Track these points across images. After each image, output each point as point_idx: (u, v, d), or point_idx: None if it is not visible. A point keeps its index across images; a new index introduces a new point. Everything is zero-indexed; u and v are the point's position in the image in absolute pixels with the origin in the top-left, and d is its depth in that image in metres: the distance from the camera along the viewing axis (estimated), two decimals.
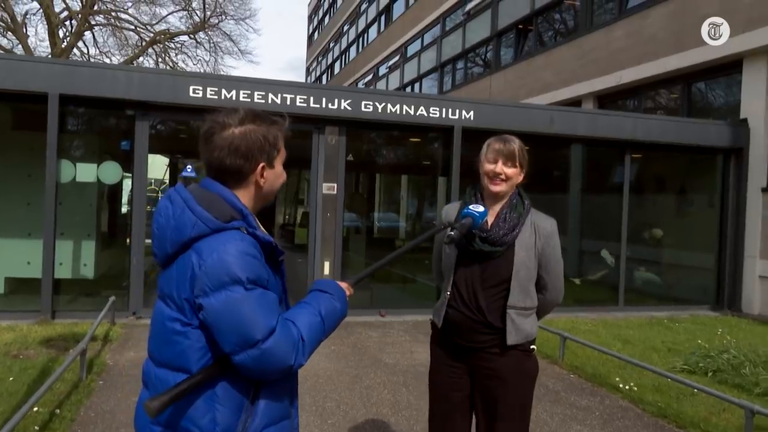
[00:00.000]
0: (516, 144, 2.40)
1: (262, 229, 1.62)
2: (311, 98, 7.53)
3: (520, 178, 2.44)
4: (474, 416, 2.49)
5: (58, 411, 4.10)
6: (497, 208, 2.44)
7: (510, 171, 2.38)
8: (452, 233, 2.33)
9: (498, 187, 2.40)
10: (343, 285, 1.75)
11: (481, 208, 2.36)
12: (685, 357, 6.00)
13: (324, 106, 7.56)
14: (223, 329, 1.45)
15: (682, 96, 10.84)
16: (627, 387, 5.12)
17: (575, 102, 12.91)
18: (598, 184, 10.21)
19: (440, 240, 2.56)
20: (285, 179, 1.72)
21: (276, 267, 1.63)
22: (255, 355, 1.45)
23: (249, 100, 7.22)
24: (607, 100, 12.55)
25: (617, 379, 5.32)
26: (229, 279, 1.45)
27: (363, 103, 7.71)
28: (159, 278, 1.63)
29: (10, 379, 4.68)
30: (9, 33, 21.98)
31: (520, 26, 15.65)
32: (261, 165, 1.61)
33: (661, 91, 11.59)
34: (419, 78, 22.38)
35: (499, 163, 2.37)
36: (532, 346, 2.43)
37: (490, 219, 2.41)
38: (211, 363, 1.51)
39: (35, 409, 3.97)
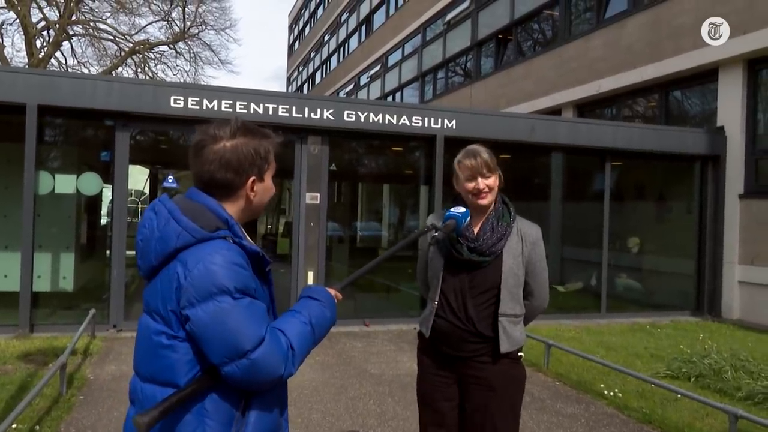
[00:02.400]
0: (485, 153, 2.40)
1: (249, 239, 1.61)
2: (293, 108, 7.51)
3: (500, 183, 2.46)
4: (464, 425, 2.48)
5: (37, 428, 4.01)
6: (482, 216, 2.45)
7: (491, 181, 2.40)
8: (436, 234, 2.33)
9: (485, 200, 2.41)
10: (332, 291, 1.74)
11: (462, 209, 2.37)
12: (667, 362, 6.06)
13: (306, 115, 7.55)
14: (212, 340, 1.43)
15: (659, 104, 11.03)
16: (612, 393, 5.15)
17: (555, 111, 13.06)
18: (579, 192, 10.32)
19: (425, 250, 2.56)
20: (274, 192, 1.71)
21: (263, 277, 1.61)
22: (245, 365, 1.42)
23: (231, 110, 7.19)
24: (586, 108, 12.71)
25: (602, 385, 5.35)
26: (216, 289, 1.42)
27: (345, 112, 7.72)
28: (144, 292, 1.60)
29: None
30: None
31: (500, 36, 15.82)
32: (251, 179, 1.60)
33: (639, 99, 11.77)
34: (400, 87, 22.48)
35: (479, 179, 2.38)
36: (519, 353, 2.44)
37: (476, 228, 2.42)
38: (200, 375, 1.48)
39: (14, 426, 3.88)
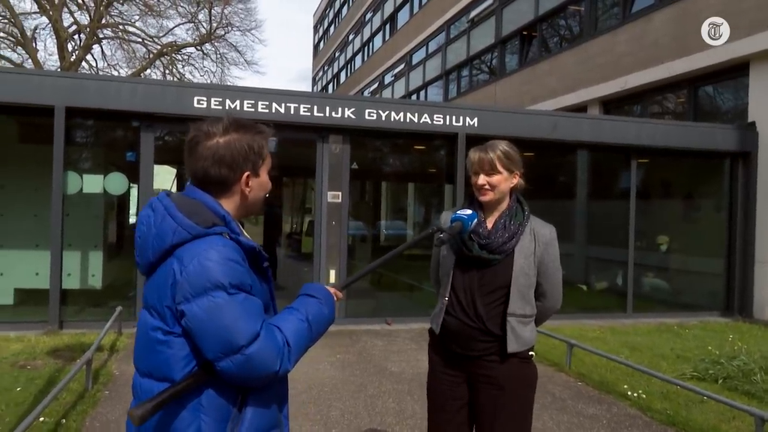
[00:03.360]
0: (496, 151, 2.35)
1: (246, 234, 1.61)
2: (315, 107, 7.55)
3: (513, 182, 2.41)
4: (473, 424, 2.46)
5: (63, 421, 4.11)
6: (496, 215, 2.42)
7: (494, 179, 2.36)
8: (441, 236, 2.32)
9: (486, 197, 2.39)
10: (332, 290, 1.74)
11: (468, 212, 2.35)
12: (694, 364, 5.94)
13: (327, 114, 7.59)
14: (206, 336, 1.44)
15: (688, 100, 10.80)
16: (635, 395, 5.07)
17: (580, 108, 12.88)
18: (604, 190, 10.17)
19: (437, 248, 2.55)
20: (270, 187, 1.71)
21: (262, 273, 1.62)
22: (239, 361, 1.43)
23: (253, 110, 7.26)
24: (612, 105, 12.51)
25: (625, 386, 5.27)
26: (211, 284, 1.43)
27: (366, 111, 7.73)
28: (144, 288, 1.62)
29: (17, 389, 4.70)
30: (19, 48, 22.24)
31: (525, 33, 15.66)
32: (246, 174, 1.61)
33: (666, 95, 11.54)
34: (424, 86, 22.43)
35: (481, 175, 2.37)
36: (530, 353, 2.41)
37: (488, 225, 2.40)
38: (195, 371, 1.49)
39: (41, 419, 3.98)
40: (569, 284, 9.99)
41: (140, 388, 1.55)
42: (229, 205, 1.61)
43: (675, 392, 5.09)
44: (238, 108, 7.22)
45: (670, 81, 10.76)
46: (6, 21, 21.44)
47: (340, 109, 7.65)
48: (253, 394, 1.53)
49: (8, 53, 22.41)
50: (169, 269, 1.49)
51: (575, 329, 7.59)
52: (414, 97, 23.15)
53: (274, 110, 7.37)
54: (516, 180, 2.41)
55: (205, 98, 7.14)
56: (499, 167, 2.35)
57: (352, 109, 7.68)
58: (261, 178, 1.66)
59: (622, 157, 9.16)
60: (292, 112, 7.46)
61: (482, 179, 2.37)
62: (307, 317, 1.59)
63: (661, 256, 9.98)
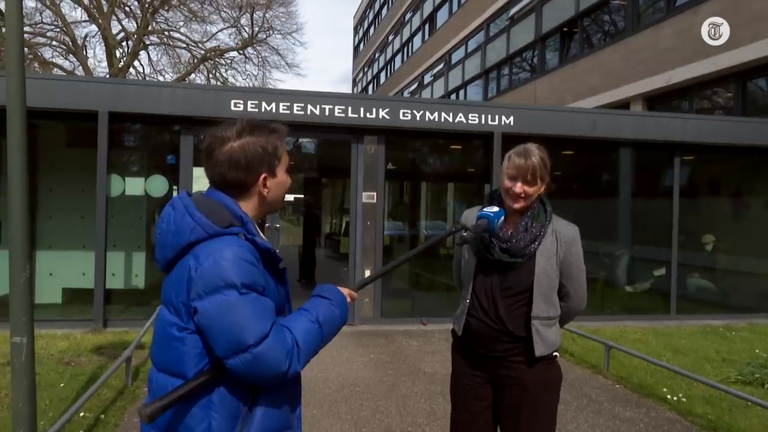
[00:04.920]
0: (536, 158, 2.29)
1: (262, 236, 1.64)
2: (349, 108, 7.59)
3: (542, 191, 2.37)
4: (497, 426, 2.43)
5: (102, 416, 4.24)
6: (518, 216, 2.38)
7: (531, 189, 2.32)
8: (465, 234, 2.29)
9: (519, 204, 2.34)
10: (345, 291, 1.75)
11: (495, 209, 2.31)
12: (739, 367, 5.71)
13: (362, 115, 7.61)
14: (216, 333, 1.47)
15: (736, 95, 10.41)
16: (675, 398, 4.92)
17: (623, 104, 12.58)
18: (647, 188, 9.88)
19: (459, 249, 2.53)
20: (289, 185, 1.74)
21: (278, 275, 1.64)
22: (247, 359, 1.45)
23: (288, 111, 7.35)
24: (656, 101, 12.17)
25: (665, 390, 5.12)
26: (223, 283, 1.46)
27: (401, 111, 7.73)
28: (162, 284, 1.67)
29: (61, 385, 4.88)
30: (70, 55, 23.12)
31: (565, 29, 15.40)
32: (263, 176, 1.63)
33: (715, 90, 11.16)
34: (464, 85, 22.28)
35: (518, 184, 2.30)
36: (555, 353, 2.36)
37: (510, 229, 2.36)
38: (207, 368, 1.52)
39: (81, 414, 4.12)
40: (610, 285, 9.82)
41: (155, 383, 1.60)
42: (247, 206, 1.65)
43: (718, 397, 4.92)
44: (273, 110, 7.33)
45: (716, 75, 10.41)
46: (58, 30, 22.32)
47: (374, 109, 7.67)
48: (264, 394, 1.55)
49: (60, 61, 23.34)
50: (186, 266, 1.53)
51: (616, 331, 7.41)
52: (453, 96, 23.03)
53: (309, 112, 7.44)
54: (543, 188, 2.37)
55: (241, 101, 7.27)
56: (539, 176, 2.30)
57: (387, 110, 7.69)
58: (278, 177, 1.68)
59: (665, 154, 8.89)
60: (327, 113, 7.51)
61: (519, 188, 2.30)
62: (317, 318, 1.60)
63: (707, 257, 9.65)
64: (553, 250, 2.33)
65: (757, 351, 6.41)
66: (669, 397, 4.95)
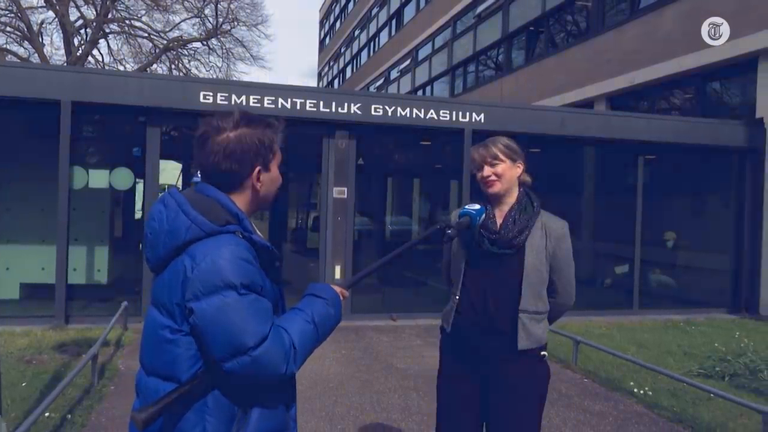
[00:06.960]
0: (498, 144, 2.39)
1: (259, 233, 1.60)
2: (321, 102, 7.53)
3: (518, 171, 2.40)
4: (483, 422, 2.44)
5: (69, 416, 4.12)
6: (505, 209, 2.40)
7: (499, 168, 2.37)
8: (449, 232, 2.29)
9: (494, 188, 2.38)
10: (338, 289, 1.71)
11: (477, 206, 2.35)
12: (701, 361, 5.91)
13: (334, 110, 7.57)
14: (214, 335, 1.42)
15: (696, 96, 10.72)
16: (642, 392, 5.04)
17: (587, 104, 12.81)
18: (611, 186, 10.11)
19: (446, 247, 2.53)
20: (281, 182, 1.69)
21: (274, 273, 1.60)
22: (245, 362, 1.41)
23: (259, 105, 7.25)
24: (619, 101, 12.44)
25: (632, 383, 5.24)
26: (222, 283, 1.41)
27: (373, 106, 7.70)
28: (152, 284, 1.60)
29: (23, 384, 4.71)
30: (26, 42, 22.29)
31: (531, 28, 15.58)
32: (257, 169, 1.59)
33: (674, 91, 11.46)
34: (430, 81, 22.35)
35: (485, 168, 2.38)
36: (543, 353, 2.37)
37: (498, 220, 2.38)
38: (201, 372, 1.47)
39: (46, 414, 3.98)
40: (576, 280, 9.97)
41: (145, 387, 1.54)
42: (240, 200, 1.59)
43: (682, 389, 5.06)
44: (243, 103, 7.21)
45: (678, 76, 10.68)
46: (12, 15, 21.50)
47: (346, 104, 7.63)
48: (259, 396, 1.51)
49: (15, 47, 22.49)
50: (181, 266, 1.47)
51: (582, 325, 7.56)
52: (420, 92, 23.09)
53: (280, 105, 7.36)
54: (520, 169, 2.40)
55: (211, 93, 7.13)
56: (502, 156, 2.36)
57: (359, 105, 7.66)
58: (272, 172, 1.64)
59: (630, 152, 9.10)
60: (298, 107, 7.44)
61: (487, 170, 2.37)
62: (313, 318, 1.57)
63: (669, 253, 9.93)
64: (543, 244, 2.35)
65: (716, 345, 6.62)
66: (636, 390, 5.07)
